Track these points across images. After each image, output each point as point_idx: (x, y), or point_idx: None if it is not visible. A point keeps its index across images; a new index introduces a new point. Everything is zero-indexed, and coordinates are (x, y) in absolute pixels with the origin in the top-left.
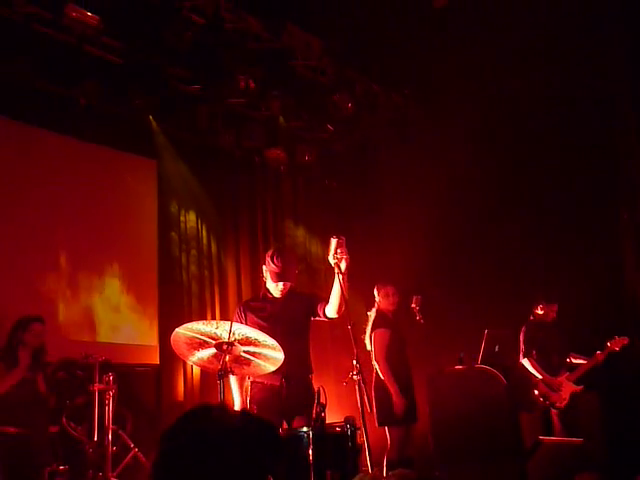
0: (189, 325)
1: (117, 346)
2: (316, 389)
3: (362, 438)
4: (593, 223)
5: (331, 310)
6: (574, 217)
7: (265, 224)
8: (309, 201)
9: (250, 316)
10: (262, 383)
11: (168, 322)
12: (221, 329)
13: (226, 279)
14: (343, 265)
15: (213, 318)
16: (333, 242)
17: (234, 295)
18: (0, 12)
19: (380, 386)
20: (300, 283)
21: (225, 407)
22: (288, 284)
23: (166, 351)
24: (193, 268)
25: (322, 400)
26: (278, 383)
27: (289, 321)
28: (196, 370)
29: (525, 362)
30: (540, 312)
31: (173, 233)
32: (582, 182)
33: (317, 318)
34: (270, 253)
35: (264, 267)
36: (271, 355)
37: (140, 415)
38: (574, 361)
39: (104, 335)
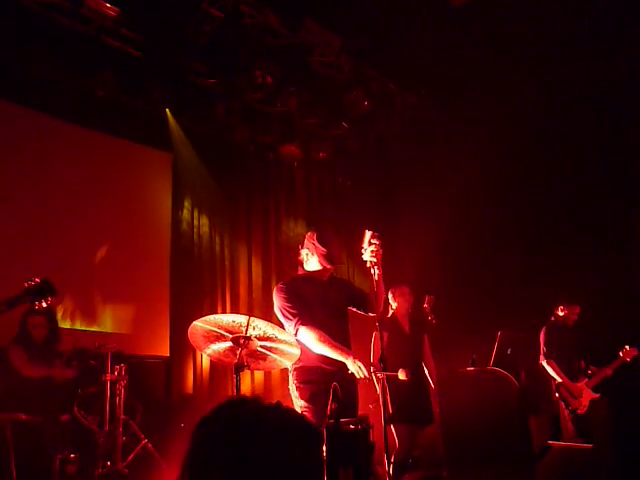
0: (207, 318)
1: (128, 337)
2: (332, 386)
3: (377, 436)
4: (607, 225)
5: (372, 309)
6: (589, 219)
7: (278, 219)
8: (322, 198)
9: (299, 298)
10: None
11: (179, 314)
12: (239, 323)
13: (238, 273)
14: (374, 259)
15: (224, 311)
16: (368, 234)
17: (245, 289)
18: (21, 2)
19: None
20: None
21: (260, 399)
22: (331, 267)
23: (176, 343)
24: (205, 261)
25: (337, 397)
26: (334, 369)
27: (333, 304)
28: (206, 363)
29: (545, 364)
30: (561, 314)
31: (186, 226)
32: (596, 183)
33: (358, 310)
34: (315, 235)
35: (305, 250)
36: (287, 350)
37: (149, 406)
38: (590, 372)
39: (115, 326)
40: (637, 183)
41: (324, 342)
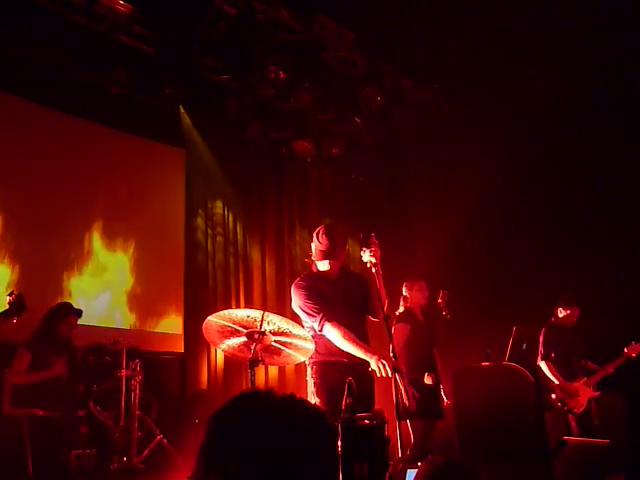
0: (222, 313)
1: (142, 333)
2: (347, 381)
3: (391, 431)
4: (623, 220)
5: (374, 313)
6: (604, 215)
7: (291, 215)
8: (335, 194)
9: (319, 294)
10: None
11: (193, 311)
12: (253, 317)
13: (251, 268)
14: (373, 259)
15: (237, 306)
16: (364, 235)
17: (259, 284)
18: (35, 0)
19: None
20: None
21: (273, 391)
22: (336, 264)
23: (190, 339)
24: (219, 257)
25: (353, 392)
26: (354, 361)
27: (350, 300)
28: (220, 359)
29: (542, 365)
30: (560, 315)
31: (199, 222)
32: (614, 179)
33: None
34: (318, 230)
35: (313, 245)
36: (302, 345)
37: (164, 402)
38: (590, 367)
39: (130, 322)
40: None
41: (349, 340)
